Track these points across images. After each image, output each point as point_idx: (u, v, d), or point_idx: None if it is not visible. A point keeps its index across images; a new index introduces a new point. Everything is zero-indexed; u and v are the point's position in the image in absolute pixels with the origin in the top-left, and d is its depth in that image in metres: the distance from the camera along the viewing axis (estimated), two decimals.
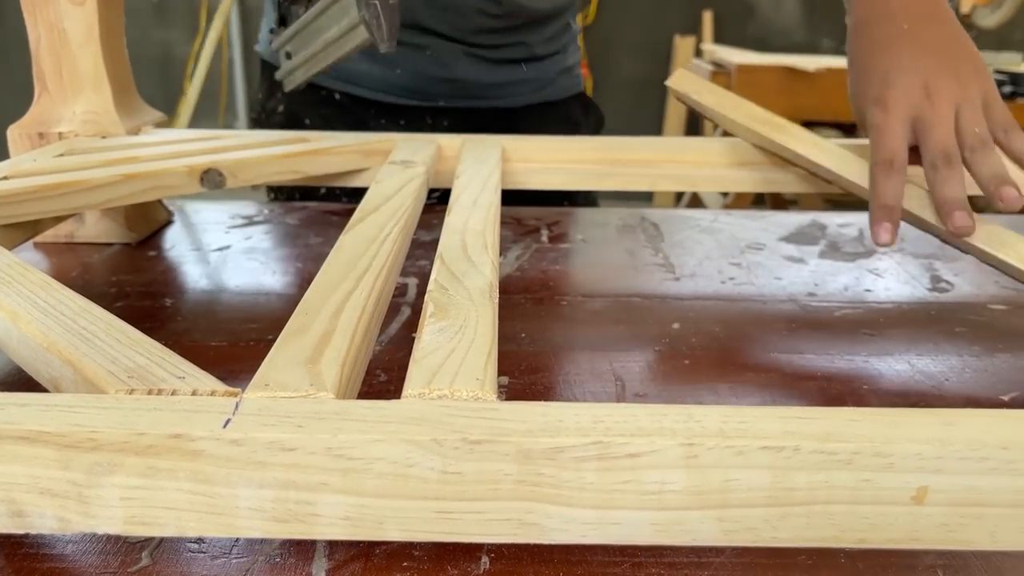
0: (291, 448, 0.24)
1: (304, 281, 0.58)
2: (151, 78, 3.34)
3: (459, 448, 0.23)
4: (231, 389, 0.26)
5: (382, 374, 0.45)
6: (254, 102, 0.92)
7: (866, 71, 0.56)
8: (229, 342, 0.49)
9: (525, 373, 0.45)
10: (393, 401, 0.25)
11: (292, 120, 0.87)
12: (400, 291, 0.57)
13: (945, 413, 0.25)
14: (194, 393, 0.26)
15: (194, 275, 0.60)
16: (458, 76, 0.84)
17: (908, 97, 0.52)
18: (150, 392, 0.26)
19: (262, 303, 0.55)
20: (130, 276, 0.59)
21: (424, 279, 0.58)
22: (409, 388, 0.26)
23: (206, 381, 0.27)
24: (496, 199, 0.48)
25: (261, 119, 0.90)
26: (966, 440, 0.24)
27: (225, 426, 0.24)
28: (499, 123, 0.87)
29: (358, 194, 0.52)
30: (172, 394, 0.26)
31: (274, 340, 0.30)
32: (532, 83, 0.90)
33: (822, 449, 0.24)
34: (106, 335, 0.30)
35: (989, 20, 2.15)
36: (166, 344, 0.48)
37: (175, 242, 0.66)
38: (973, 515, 0.24)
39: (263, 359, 0.29)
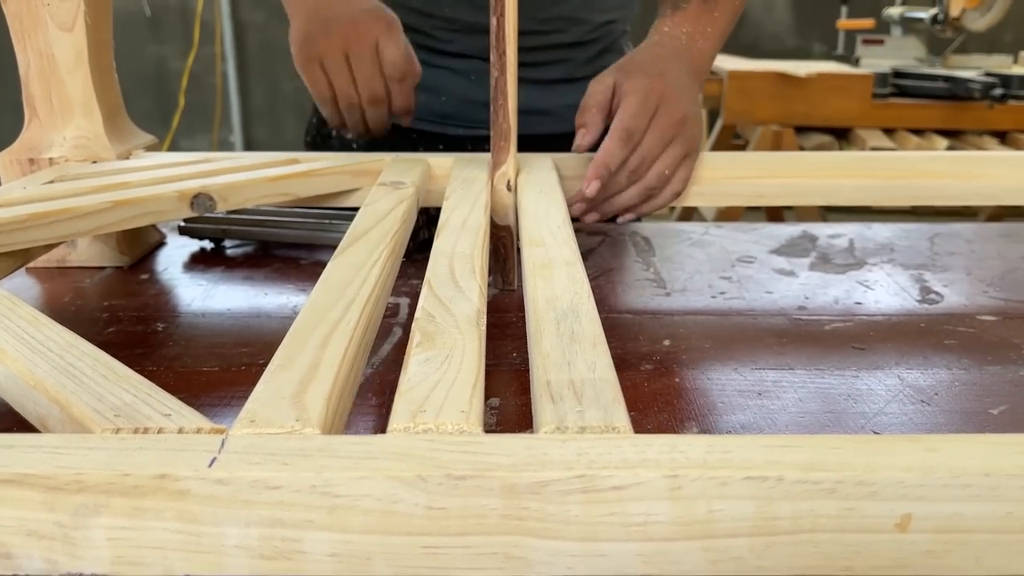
0: (276, 486, 0.24)
1: (295, 302, 0.58)
2: (147, 92, 3.35)
3: (444, 484, 0.24)
4: (217, 426, 0.26)
5: (373, 397, 0.45)
6: (309, 126, 0.93)
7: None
8: (221, 367, 0.49)
9: (516, 394, 0.45)
10: (378, 436, 0.26)
11: (344, 145, 0.88)
12: (392, 311, 0.57)
13: (927, 439, 0.25)
14: (180, 431, 0.26)
15: (186, 298, 0.60)
16: None
17: None
18: (136, 431, 0.26)
19: (254, 325, 0.55)
20: (122, 300, 0.59)
21: (416, 298, 0.58)
22: (394, 422, 0.26)
23: (192, 418, 0.27)
24: (485, 220, 0.48)
25: (316, 142, 0.92)
26: (948, 467, 0.24)
27: (211, 465, 0.24)
28: (546, 151, 0.83)
29: None
30: (158, 432, 0.26)
31: (265, 364, 0.30)
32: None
33: (805, 478, 0.24)
34: (93, 371, 0.30)
35: (979, 23, 2.15)
36: (158, 370, 0.48)
37: (167, 264, 0.67)
38: (957, 541, 0.24)
39: (254, 384, 0.29)
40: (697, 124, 0.63)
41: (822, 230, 0.75)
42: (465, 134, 0.85)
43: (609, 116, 0.61)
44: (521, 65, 0.83)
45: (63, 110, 0.63)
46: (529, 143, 0.85)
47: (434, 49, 0.84)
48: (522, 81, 0.83)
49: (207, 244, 0.70)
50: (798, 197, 0.65)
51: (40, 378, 0.29)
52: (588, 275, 0.40)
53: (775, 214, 2.08)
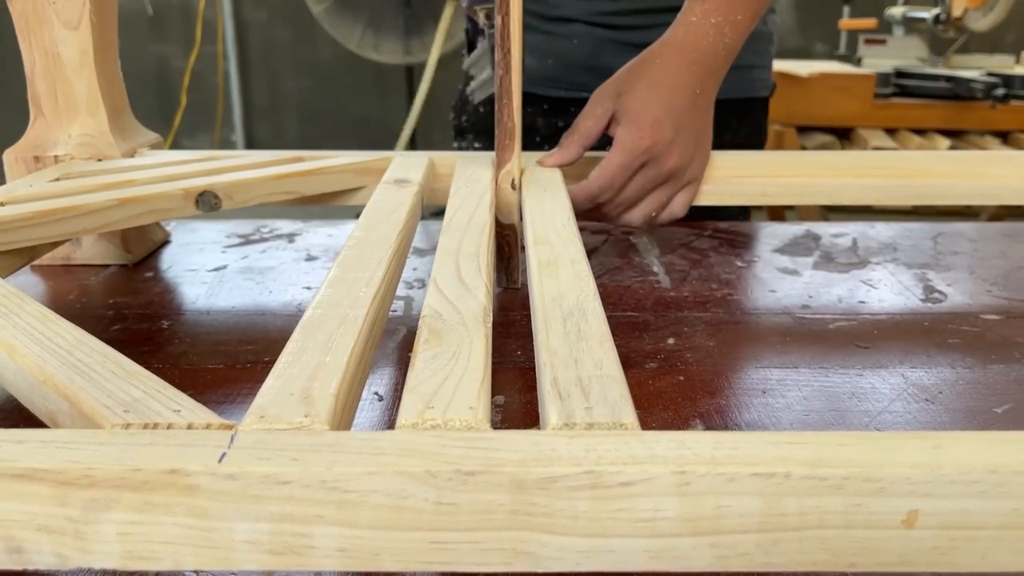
0: (286, 481, 0.24)
1: (300, 299, 0.59)
2: (149, 91, 3.35)
3: (453, 479, 0.24)
4: (226, 422, 0.27)
5: (378, 396, 0.46)
6: (454, 96, 1.02)
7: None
8: (226, 364, 0.49)
9: (520, 392, 0.46)
10: (387, 432, 0.26)
11: (469, 108, 0.96)
12: (396, 310, 0.57)
13: (934, 436, 0.25)
14: (189, 427, 0.26)
15: (191, 296, 0.60)
16: (604, 64, 0.81)
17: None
18: (146, 426, 0.26)
19: (259, 323, 0.55)
20: (127, 298, 0.59)
21: (420, 297, 0.59)
22: (403, 418, 0.27)
23: (201, 414, 0.27)
24: (489, 219, 0.48)
25: (458, 106, 1.00)
26: (955, 464, 0.24)
27: (221, 460, 0.24)
28: None
29: None
30: (168, 428, 0.26)
31: (271, 361, 0.30)
32: None
33: (813, 475, 0.24)
34: (102, 367, 0.30)
35: (981, 23, 2.16)
36: (163, 368, 0.48)
37: (172, 262, 0.67)
38: (964, 538, 0.24)
39: (260, 381, 0.29)
40: (700, 156, 0.62)
41: (825, 229, 0.75)
42: (567, 96, 0.87)
43: (596, 140, 0.62)
44: (638, 28, 0.85)
45: (68, 108, 0.63)
46: None
47: (540, 14, 0.86)
48: (630, 46, 0.83)
49: (211, 243, 0.70)
50: (801, 196, 0.65)
51: (50, 374, 0.30)
52: (592, 273, 0.40)
53: (776, 213, 2.08)
